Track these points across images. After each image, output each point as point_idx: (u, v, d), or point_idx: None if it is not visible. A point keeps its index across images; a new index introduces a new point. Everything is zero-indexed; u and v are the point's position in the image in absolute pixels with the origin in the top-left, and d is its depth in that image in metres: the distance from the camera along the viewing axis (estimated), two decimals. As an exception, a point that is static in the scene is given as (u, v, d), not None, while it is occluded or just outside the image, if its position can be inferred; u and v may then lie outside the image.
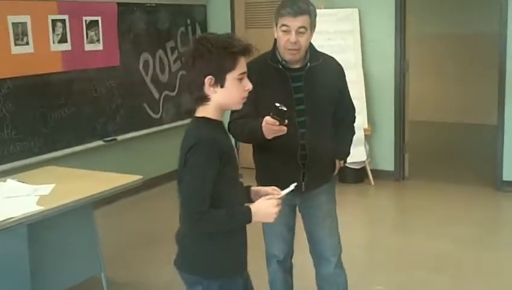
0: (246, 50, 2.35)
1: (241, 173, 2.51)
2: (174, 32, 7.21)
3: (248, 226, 2.46)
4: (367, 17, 6.83)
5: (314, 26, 3.16)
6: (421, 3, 9.74)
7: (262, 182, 3.26)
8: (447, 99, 10.33)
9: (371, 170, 6.86)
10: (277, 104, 2.76)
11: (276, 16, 3.15)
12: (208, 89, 2.33)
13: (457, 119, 10.23)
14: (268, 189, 2.54)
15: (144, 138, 6.86)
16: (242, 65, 2.35)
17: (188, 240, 2.43)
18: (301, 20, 3.08)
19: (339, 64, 3.38)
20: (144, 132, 6.82)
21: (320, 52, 3.33)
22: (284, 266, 3.49)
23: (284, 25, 3.10)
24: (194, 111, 2.42)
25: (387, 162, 6.97)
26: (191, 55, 2.32)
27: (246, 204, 2.43)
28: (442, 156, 8.38)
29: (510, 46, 6.33)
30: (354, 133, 3.52)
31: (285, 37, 3.10)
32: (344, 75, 3.39)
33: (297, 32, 3.08)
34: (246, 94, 2.40)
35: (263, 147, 3.05)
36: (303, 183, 3.24)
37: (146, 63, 6.81)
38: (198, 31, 7.56)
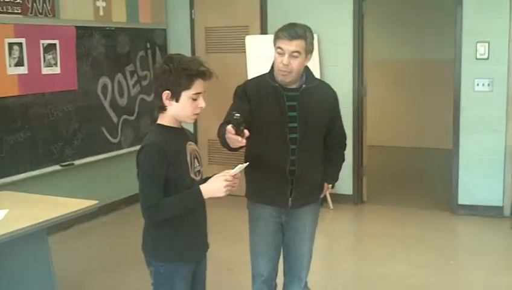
0: (202, 73, 2.68)
1: None
2: (133, 56, 7.16)
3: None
4: (326, 43, 6.89)
5: (311, 51, 3.27)
6: (378, 30, 9.93)
7: (250, 196, 3.43)
8: (404, 124, 10.46)
9: (330, 194, 6.87)
10: (233, 113, 2.85)
11: (275, 37, 3.26)
12: (165, 101, 2.71)
13: (414, 143, 10.36)
14: (221, 173, 2.77)
15: (102, 162, 6.76)
16: (198, 86, 2.69)
17: (145, 228, 2.84)
18: (295, 44, 3.17)
19: (333, 90, 3.49)
20: (102, 157, 6.72)
21: (316, 77, 3.46)
22: (269, 286, 3.51)
23: (279, 47, 3.21)
24: (157, 118, 2.82)
25: (346, 186, 6.99)
26: (158, 70, 2.72)
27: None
28: (399, 180, 8.46)
29: (464, 71, 6.46)
30: (343, 159, 3.63)
31: (279, 58, 3.21)
32: (337, 101, 3.50)
33: (291, 56, 3.18)
34: (198, 111, 2.74)
35: (253, 159, 3.10)
36: (290, 199, 3.33)
37: (105, 86, 6.73)
38: (158, 55, 7.52)
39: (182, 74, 2.64)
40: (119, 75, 6.95)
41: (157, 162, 2.65)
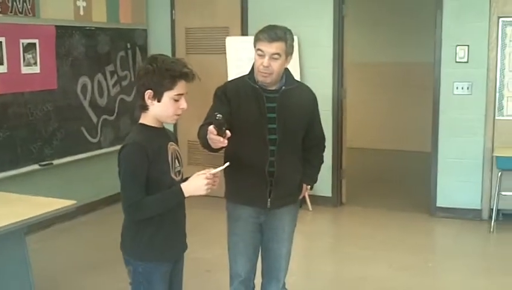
0: (185, 75, 2.71)
1: None
2: (113, 56, 7.14)
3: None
4: (306, 45, 6.92)
5: (291, 53, 3.30)
6: (359, 32, 9.98)
7: (229, 196, 3.45)
8: (383, 126, 10.53)
9: (309, 196, 6.91)
10: (215, 113, 2.87)
11: (255, 39, 3.28)
12: (147, 101, 2.74)
13: (394, 146, 10.41)
14: (202, 171, 2.80)
15: (81, 162, 6.74)
16: (181, 87, 2.72)
17: (124, 227, 2.86)
18: (275, 47, 3.20)
19: (312, 92, 3.52)
20: (81, 156, 6.70)
21: (296, 79, 3.48)
22: (247, 286, 3.52)
23: (259, 49, 3.23)
24: (138, 118, 2.84)
25: (325, 188, 7.02)
26: (141, 70, 2.74)
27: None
28: (379, 182, 8.51)
29: (444, 75, 6.51)
30: (322, 161, 3.65)
31: (260, 60, 3.23)
32: (316, 103, 3.53)
33: (271, 58, 3.21)
34: (180, 112, 2.77)
35: (233, 160, 3.10)
36: (269, 200, 3.35)
37: (84, 86, 6.71)
38: (139, 56, 7.51)
39: (165, 74, 2.67)
40: (99, 75, 6.93)
41: (138, 160, 2.68)
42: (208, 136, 2.92)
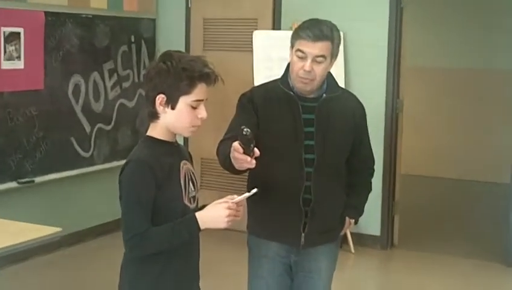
0: (206, 77, 2.72)
1: None
2: (114, 51, 7.22)
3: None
4: (353, 44, 6.92)
5: (336, 54, 3.32)
6: (418, 29, 9.90)
7: (253, 229, 3.47)
8: (448, 149, 10.42)
9: (352, 234, 6.88)
10: (242, 127, 2.86)
11: (294, 37, 3.30)
12: (159, 107, 2.74)
13: (460, 174, 10.32)
14: (223, 199, 2.79)
15: (69, 181, 6.79)
16: (200, 92, 2.72)
17: (123, 264, 2.85)
18: (320, 47, 3.22)
19: (360, 102, 3.54)
20: (70, 174, 6.75)
21: (340, 86, 3.49)
22: None
23: (299, 50, 3.24)
24: (146, 129, 2.86)
25: (372, 224, 6.98)
26: (152, 69, 2.75)
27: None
28: (440, 220, 8.43)
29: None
30: (370, 189, 3.68)
31: (300, 63, 3.25)
32: (365, 116, 3.55)
33: (314, 61, 3.22)
34: (198, 122, 2.77)
35: (259, 184, 3.09)
36: (303, 236, 3.35)
37: (77, 87, 6.78)
38: (145, 51, 7.58)
39: (182, 75, 2.68)
40: (95, 74, 6.99)
41: (144, 182, 2.68)
42: (231, 155, 2.94)
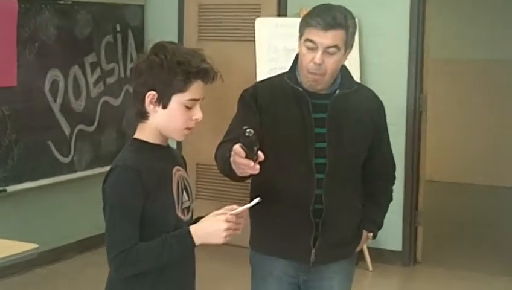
0: (204, 73, 2.72)
1: None
2: (96, 41, 7.22)
3: None
4: (370, 32, 6.91)
5: (351, 44, 3.31)
6: (446, 14, 9.89)
7: (256, 244, 3.48)
8: (477, 152, 10.44)
9: (370, 249, 6.87)
10: (245, 128, 2.85)
11: (302, 25, 3.28)
12: (148, 106, 2.75)
13: (492, 180, 10.34)
14: (221, 210, 2.77)
15: (47, 190, 6.78)
16: (196, 90, 2.73)
17: (108, 285, 2.84)
18: (333, 36, 3.20)
19: (378, 99, 3.54)
20: (47, 182, 6.75)
21: (356, 81, 3.49)
22: None
23: (309, 39, 3.22)
24: (134, 130, 2.85)
25: (392, 237, 6.97)
26: (142, 62, 2.75)
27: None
28: (468, 232, 8.44)
29: None
30: (391, 199, 3.66)
31: (309, 55, 3.23)
32: (384, 116, 3.54)
33: (326, 52, 3.21)
34: (192, 124, 2.77)
35: (263, 192, 3.10)
36: (313, 251, 3.35)
37: (55, 83, 6.77)
38: (132, 42, 7.58)
39: (177, 70, 2.67)
40: (75, 68, 6.99)
41: (131, 191, 2.68)
42: (232, 159, 2.93)
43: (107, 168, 2.81)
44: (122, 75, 7.44)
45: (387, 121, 3.55)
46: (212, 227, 2.72)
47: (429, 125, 7.29)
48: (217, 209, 2.77)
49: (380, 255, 6.98)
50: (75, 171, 7.05)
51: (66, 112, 6.92)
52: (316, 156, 3.28)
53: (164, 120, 2.75)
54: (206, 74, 2.72)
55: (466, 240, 8.06)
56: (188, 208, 2.87)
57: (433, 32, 7.38)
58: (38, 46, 6.59)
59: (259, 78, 5.72)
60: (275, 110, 3.30)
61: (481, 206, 9.69)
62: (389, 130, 3.57)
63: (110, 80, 7.39)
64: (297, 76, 3.32)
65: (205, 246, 2.75)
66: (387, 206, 3.63)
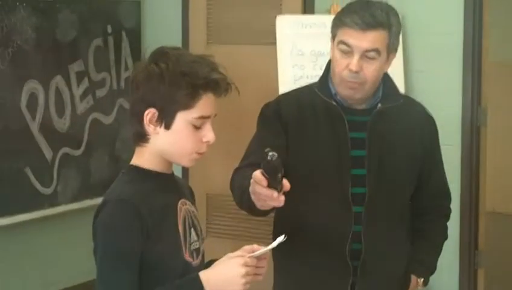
0: (215, 85, 2.69)
1: None
2: (84, 46, 7.25)
3: None
4: (416, 32, 6.91)
5: (396, 48, 3.33)
6: (510, 9, 9.91)
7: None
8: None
9: (419, 296, 6.85)
10: (266, 150, 2.82)
11: (335, 24, 3.31)
12: (148, 127, 2.73)
13: None
14: (239, 251, 2.75)
15: (25, 227, 6.80)
16: (205, 105, 2.70)
17: None
18: (372, 38, 3.22)
19: (430, 116, 3.56)
20: (25, 218, 6.75)
21: (401, 92, 3.53)
22: None
23: (343, 42, 3.25)
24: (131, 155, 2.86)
25: (448, 284, 6.95)
26: (139, 73, 2.74)
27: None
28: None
29: None
30: (446, 237, 3.69)
31: (344, 60, 3.26)
32: (437, 135, 3.56)
33: (364, 57, 3.22)
34: (203, 148, 2.76)
35: (288, 227, 3.09)
36: None
37: (33, 97, 6.80)
38: (127, 47, 7.60)
39: (181, 82, 2.66)
40: (57, 79, 7.01)
41: (128, 231, 2.66)
42: (251, 189, 2.92)
43: (98, 200, 2.81)
44: (115, 87, 7.47)
45: (443, 140, 3.55)
46: (228, 273, 2.67)
47: (489, 143, 7.27)
48: (233, 250, 2.75)
49: (431, 304, 6.96)
50: (59, 204, 7.04)
51: (47, 133, 6.94)
52: (353, 184, 3.30)
53: (167, 143, 2.75)
54: (217, 86, 2.70)
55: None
56: (197, 249, 2.86)
57: (494, 31, 7.37)
58: (13, 52, 6.61)
59: (282, 89, 5.71)
60: (303, 130, 3.31)
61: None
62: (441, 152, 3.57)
63: (101, 93, 7.40)
64: (330, 87, 3.33)
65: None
66: (441, 246, 3.62)
